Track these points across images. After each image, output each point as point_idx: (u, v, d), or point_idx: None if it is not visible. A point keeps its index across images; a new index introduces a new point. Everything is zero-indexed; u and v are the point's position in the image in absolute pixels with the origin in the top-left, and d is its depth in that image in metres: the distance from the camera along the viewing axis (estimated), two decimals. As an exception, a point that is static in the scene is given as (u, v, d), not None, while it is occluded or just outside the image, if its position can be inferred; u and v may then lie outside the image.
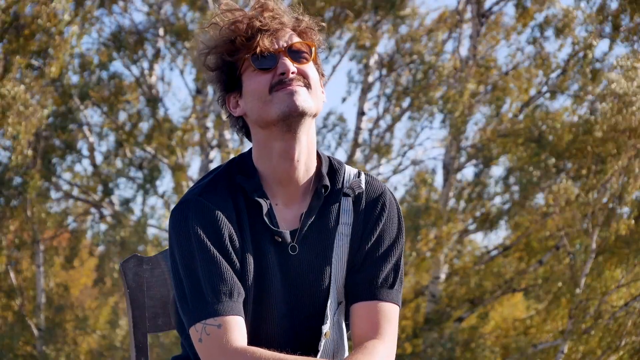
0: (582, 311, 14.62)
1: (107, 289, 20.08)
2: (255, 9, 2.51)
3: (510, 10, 16.36)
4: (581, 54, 15.11)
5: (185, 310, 2.44)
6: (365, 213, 2.57)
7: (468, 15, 16.47)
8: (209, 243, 2.43)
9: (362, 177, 2.59)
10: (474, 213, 16.27)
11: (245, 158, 2.57)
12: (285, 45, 2.50)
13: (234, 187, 2.51)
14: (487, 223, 16.05)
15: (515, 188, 15.88)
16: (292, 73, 2.47)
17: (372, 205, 2.58)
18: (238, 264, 2.45)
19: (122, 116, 17.69)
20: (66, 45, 14.55)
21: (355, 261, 2.56)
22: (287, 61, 2.48)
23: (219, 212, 2.46)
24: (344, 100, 17.46)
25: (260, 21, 2.49)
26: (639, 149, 13.75)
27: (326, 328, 2.53)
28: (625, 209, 14.64)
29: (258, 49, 2.48)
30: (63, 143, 16.96)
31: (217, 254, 2.43)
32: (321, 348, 2.54)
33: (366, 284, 2.54)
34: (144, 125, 17.59)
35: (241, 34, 2.48)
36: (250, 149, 2.58)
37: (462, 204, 16.45)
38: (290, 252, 2.50)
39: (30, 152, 15.19)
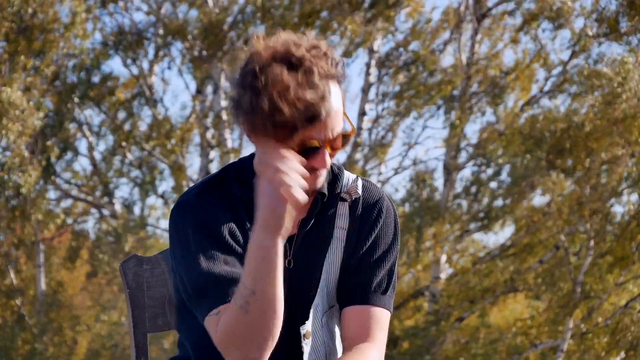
0: (580, 309, 14.64)
1: (104, 287, 20.07)
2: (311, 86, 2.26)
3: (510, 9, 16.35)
4: (578, 50, 15.15)
5: (194, 306, 2.43)
6: (361, 218, 2.55)
7: (468, 15, 16.47)
8: (209, 241, 2.41)
9: (359, 182, 2.57)
10: (474, 212, 16.27)
11: (245, 163, 2.52)
12: (329, 137, 2.33)
13: (231, 194, 2.49)
14: (485, 220, 16.06)
15: (510, 185, 15.89)
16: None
17: (368, 210, 2.56)
18: (238, 262, 2.45)
19: (121, 116, 17.68)
20: (67, 42, 14.57)
21: (349, 265, 2.55)
22: (327, 156, 2.34)
23: (217, 213, 2.44)
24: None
25: (316, 110, 2.26)
26: (626, 138, 13.83)
27: (306, 328, 2.52)
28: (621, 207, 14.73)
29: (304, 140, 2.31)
30: (61, 142, 16.92)
31: (219, 250, 2.41)
32: (306, 349, 2.53)
33: (359, 288, 2.53)
34: (143, 125, 17.59)
35: (294, 119, 2.25)
36: (252, 153, 2.52)
37: (463, 203, 16.46)
38: (285, 266, 2.49)
39: (27, 154, 15.17)
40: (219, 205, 2.45)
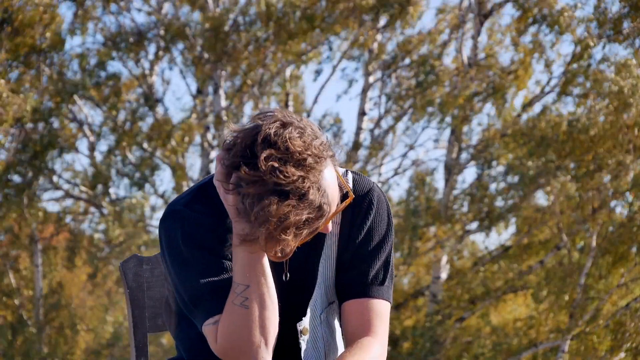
0: (582, 309, 14.63)
1: (104, 287, 20.08)
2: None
3: (510, 10, 16.34)
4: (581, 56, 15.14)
5: (191, 315, 2.43)
6: (352, 210, 2.53)
7: (471, 15, 16.46)
8: (201, 251, 2.40)
9: (350, 175, 2.56)
10: (476, 213, 16.26)
11: None
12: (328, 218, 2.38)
13: (219, 202, 2.43)
14: (487, 221, 16.05)
15: (515, 187, 15.88)
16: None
17: (359, 202, 2.53)
18: (230, 270, 2.42)
19: (122, 115, 17.67)
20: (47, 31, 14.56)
21: (344, 259, 2.54)
22: (328, 225, 2.41)
23: (206, 223, 2.42)
24: (338, 98, 17.51)
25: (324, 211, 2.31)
26: (634, 144, 13.84)
27: (303, 324, 2.51)
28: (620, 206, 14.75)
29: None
30: (51, 138, 16.76)
31: (211, 259, 2.40)
32: (303, 346, 2.52)
33: (356, 281, 2.52)
34: (144, 125, 17.58)
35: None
36: None
37: (463, 204, 16.45)
38: (282, 279, 2.48)
39: (12, 145, 15.10)
40: (209, 215, 2.43)
